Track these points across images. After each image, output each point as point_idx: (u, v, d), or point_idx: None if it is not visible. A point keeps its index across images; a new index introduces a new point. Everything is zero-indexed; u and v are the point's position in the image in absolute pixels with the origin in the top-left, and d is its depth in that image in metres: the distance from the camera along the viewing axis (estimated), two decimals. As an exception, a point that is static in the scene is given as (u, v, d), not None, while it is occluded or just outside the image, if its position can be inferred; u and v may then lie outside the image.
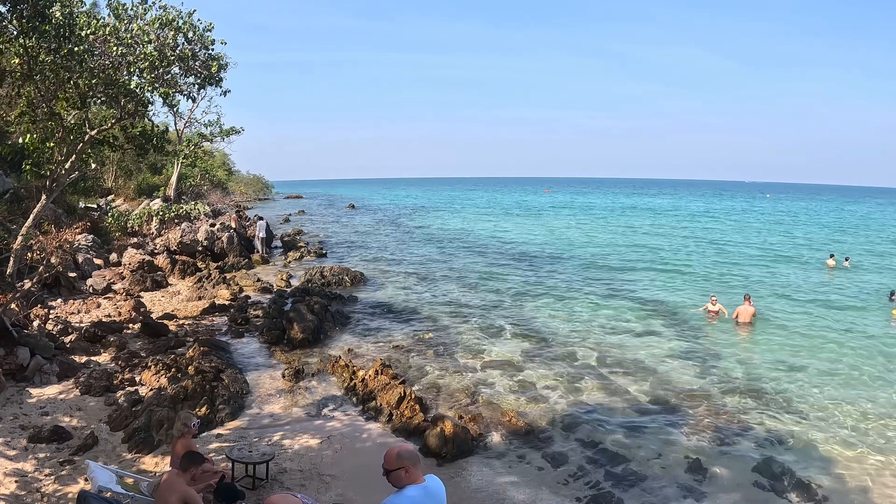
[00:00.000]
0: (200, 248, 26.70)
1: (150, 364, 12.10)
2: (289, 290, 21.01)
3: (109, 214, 29.11)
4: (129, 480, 7.36)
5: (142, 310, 16.76)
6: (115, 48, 12.49)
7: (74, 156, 13.84)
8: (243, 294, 20.21)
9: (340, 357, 13.57)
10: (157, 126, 17.03)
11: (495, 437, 10.18)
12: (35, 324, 13.89)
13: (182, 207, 33.11)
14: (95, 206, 34.18)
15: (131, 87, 12.99)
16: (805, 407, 12.00)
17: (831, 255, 31.45)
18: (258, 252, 29.36)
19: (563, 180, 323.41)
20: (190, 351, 13.05)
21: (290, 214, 57.11)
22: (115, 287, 19.55)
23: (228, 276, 22.81)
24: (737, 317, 18.46)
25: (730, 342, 16.59)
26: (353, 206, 72.91)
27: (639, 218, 61.98)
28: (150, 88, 13.32)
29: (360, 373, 12.23)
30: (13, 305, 12.49)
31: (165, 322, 15.85)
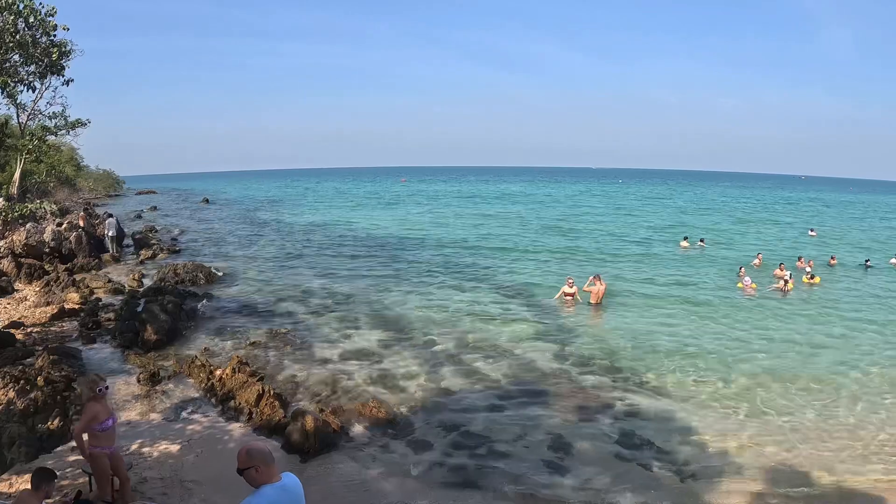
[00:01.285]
0: (47, 250, 24.68)
1: (-5, 378, 11.11)
2: (141, 289, 19.79)
3: (-54, 217, 26.29)
4: (-21, 505, 6.80)
5: (-16, 319, 15.36)
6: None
7: None
8: (94, 297, 18.86)
9: (197, 357, 12.90)
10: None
11: (358, 429, 10.09)
12: None
13: (27, 206, 30.35)
14: (-69, 208, 30.77)
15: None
16: (662, 381, 12.46)
17: (685, 237, 32.94)
18: (109, 251, 27.54)
19: (418, 169, 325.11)
20: (39, 360, 12.03)
21: (142, 211, 53.84)
22: (-47, 295, 17.77)
23: (78, 278, 21.20)
24: (589, 293, 18.91)
25: (587, 322, 17.05)
26: (207, 201, 69.80)
27: (492, 205, 63.34)
28: (-13, 77, 12.18)
29: (218, 372, 11.78)
30: None
31: (12, 331, 14.48)
